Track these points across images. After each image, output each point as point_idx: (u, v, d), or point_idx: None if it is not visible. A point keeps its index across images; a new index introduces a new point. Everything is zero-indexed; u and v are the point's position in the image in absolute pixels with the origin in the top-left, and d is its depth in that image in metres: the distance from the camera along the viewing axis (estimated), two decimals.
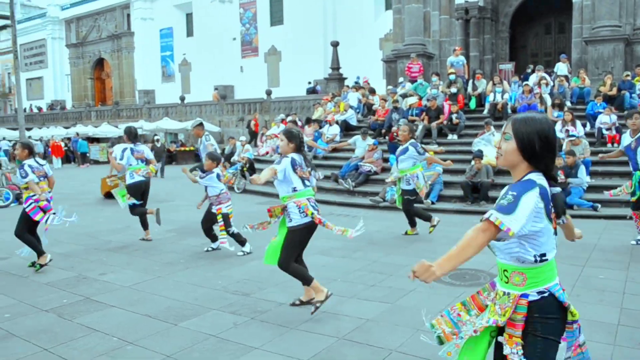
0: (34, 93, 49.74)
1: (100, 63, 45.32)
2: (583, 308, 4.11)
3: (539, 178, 2.12)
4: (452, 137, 14.00)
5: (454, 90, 15.43)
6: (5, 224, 10.16)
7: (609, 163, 11.04)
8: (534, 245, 2.11)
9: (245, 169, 15.37)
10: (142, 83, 40.82)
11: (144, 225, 8.32)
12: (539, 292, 2.14)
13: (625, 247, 7.22)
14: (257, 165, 15.49)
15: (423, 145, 9.06)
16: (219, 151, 8.76)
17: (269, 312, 4.90)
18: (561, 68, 15.94)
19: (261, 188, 13.48)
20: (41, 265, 6.56)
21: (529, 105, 13.46)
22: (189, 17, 38.14)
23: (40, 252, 6.65)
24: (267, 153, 16.92)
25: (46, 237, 7.01)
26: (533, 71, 16.30)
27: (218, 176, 7.21)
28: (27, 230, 6.66)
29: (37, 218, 6.59)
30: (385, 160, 12.93)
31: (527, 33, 23.19)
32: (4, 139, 30.95)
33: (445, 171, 11.84)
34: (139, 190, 8.14)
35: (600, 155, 8.46)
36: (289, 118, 18.28)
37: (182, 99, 32.37)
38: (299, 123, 17.40)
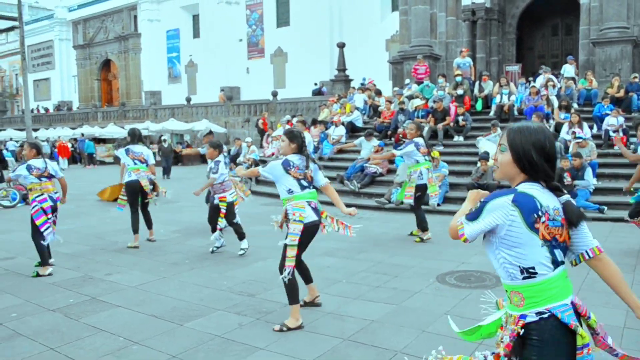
0: (41, 94, 50.06)
1: (107, 64, 45.54)
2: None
3: (527, 187, 2.04)
4: (458, 138, 13.98)
5: (460, 91, 15.39)
6: (12, 225, 10.24)
7: (616, 165, 11.02)
8: (516, 257, 2.02)
9: None
10: (148, 84, 40.99)
11: (148, 225, 8.33)
12: (538, 313, 2.02)
13: (631, 250, 7.18)
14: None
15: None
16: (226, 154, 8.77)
17: (274, 313, 4.90)
18: (568, 70, 15.87)
19: (267, 189, 13.52)
20: (38, 274, 6.43)
21: (535, 107, 13.41)
22: (195, 18, 38.28)
23: (44, 262, 6.55)
24: (272, 154, 16.94)
25: (57, 236, 6.86)
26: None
27: (218, 162, 7.28)
28: (39, 233, 6.56)
29: (38, 222, 6.49)
30: (391, 161, 12.91)
31: (534, 34, 23.13)
32: (11, 139, 31.15)
33: (451, 173, 11.85)
34: (134, 190, 7.99)
35: (624, 187, 8.04)
36: (295, 119, 18.30)
37: (188, 100, 32.49)
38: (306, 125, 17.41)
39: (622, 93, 13.65)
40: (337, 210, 5.01)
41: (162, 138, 23.86)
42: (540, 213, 2.00)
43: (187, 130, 28.98)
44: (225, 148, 8.66)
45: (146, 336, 4.39)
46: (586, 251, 2.13)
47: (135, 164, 7.96)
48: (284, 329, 4.46)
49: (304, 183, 4.67)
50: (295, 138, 4.72)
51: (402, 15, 19.82)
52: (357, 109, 16.89)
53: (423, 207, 8.36)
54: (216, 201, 7.30)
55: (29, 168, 6.57)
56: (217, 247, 7.51)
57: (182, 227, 9.55)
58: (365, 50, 27.95)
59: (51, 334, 4.50)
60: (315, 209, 4.69)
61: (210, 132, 9.04)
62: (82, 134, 30.26)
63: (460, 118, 14.10)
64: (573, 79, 15.24)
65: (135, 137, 8.29)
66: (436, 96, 15.01)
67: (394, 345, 4.11)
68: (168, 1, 39.26)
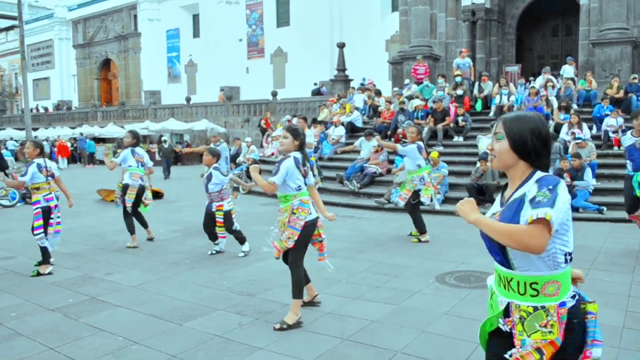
0: (41, 93, 50.03)
1: (106, 64, 45.52)
2: None
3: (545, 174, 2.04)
4: (457, 139, 13.99)
5: (460, 92, 15.40)
6: (11, 224, 10.24)
7: (616, 166, 11.03)
8: (565, 243, 2.01)
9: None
10: (148, 84, 40.97)
11: (143, 225, 8.33)
12: (573, 297, 2.04)
13: (630, 250, 7.19)
14: (262, 167, 15.48)
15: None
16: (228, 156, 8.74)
17: (274, 313, 4.90)
18: (568, 70, 15.89)
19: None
20: (39, 273, 6.44)
21: (535, 108, 13.41)
22: (195, 18, 38.27)
23: (46, 260, 6.57)
24: (272, 154, 16.95)
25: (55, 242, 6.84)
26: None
27: (217, 169, 7.24)
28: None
29: (35, 224, 6.46)
30: (391, 162, 12.92)
31: (534, 35, 23.14)
32: (11, 138, 31.15)
33: (451, 173, 11.86)
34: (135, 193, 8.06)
35: None
36: (295, 119, 18.30)
37: (188, 99, 32.49)
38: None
39: (621, 94, 13.66)
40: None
41: (162, 138, 23.86)
42: None
43: (186, 130, 28.97)
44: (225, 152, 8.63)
45: (146, 336, 4.40)
46: None
47: (138, 166, 8.02)
48: (284, 326, 4.48)
49: (306, 180, 4.75)
50: (298, 135, 4.76)
51: (402, 15, 19.84)
52: (356, 109, 16.89)
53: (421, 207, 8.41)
54: (213, 209, 7.25)
55: (39, 167, 6.55)
56: (217, 251, 7.49)
57: (182, 227, 9.55)
58: (365, 50, 27.94)
59: (51, 333, 4.50)
60: (313, 206, 4.78)
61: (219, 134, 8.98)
62: (81, 134, 30.25)
63: (459, 118, 14.11)
64: (572, 79, 15.25)
65: (139, 139, 8.36)
66: (436, 96, 15.03)
67: (393, 345, 4.11)
68: (168, 1, 39.24)
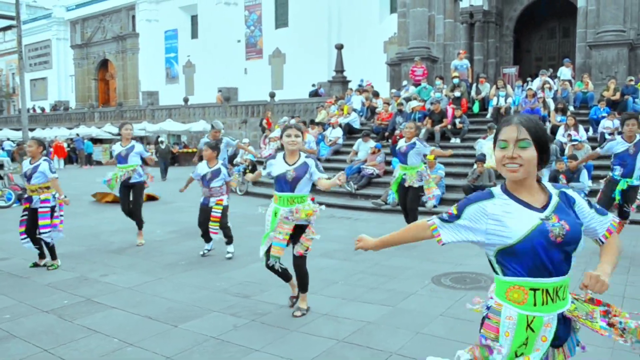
0: (38, 93, 49.93)
1: (104, 64, 45.45)
2: None
3: None
4: (455, 140, 14.00)
5: (457, 94, 15.42)
6: (7, 225, 10.20)
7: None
8: None
9: (247, 170, 15.38)
10: (146, 84, 40.91)
11: (138, 226, 8.32)
12: None
13: (625, 252, 7.19)
14: (260, 168, 15.49)
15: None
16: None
17: (270, 314, 4.90)
18: (565, 72, 15.93)
19: (263, 190, 13.52)
20: (35, 265, 6.69)
21: (532, 110, 13.45)
22: (194, 19, 38.25)
23: (54, 256, 6.79)
24: (269, 155, 16.89)
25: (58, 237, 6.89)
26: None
27: (224, 165, 7.31)
28: (32, 226, 6.65)
29: (43, 222, 6.56)
30: (388, 163, 12.93)
31: (532, 37, 23.20)
32: (7, 139, 31.08)
33: (448, 174, 11.86)
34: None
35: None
36: (292, 121, 18.28)
37: (186, 100, 32.45)
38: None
39: (618, 96, 13.69)
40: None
41: (160, 139, 23.83)
42: None
43: (184, 131, 28.94)
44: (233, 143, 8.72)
45: (141, 337, 4.38)
46: None
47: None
48: (305, 312, 4.80)
49: None
50: (303, 133, 4.89)
51: (401, 17, 19.85)
52: (354, 110, 16.91)
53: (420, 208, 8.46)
54: (212, 204, 7.19)
55: (51, 167, 6.68)
56: (208, 250, 7.43)
57: (179, 228, 9.53)
58: (363, 51, 27.95)
59: (45, 335, 4.48)
60: None
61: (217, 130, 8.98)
62: (77, 134, 30.21)
63: (457, 120, 14.12)
64: (569, 81, 15.29)
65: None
66: (433, 98, 15.05)
67: (389, 346, 4.11)
68: (166, 1, 39.22)
